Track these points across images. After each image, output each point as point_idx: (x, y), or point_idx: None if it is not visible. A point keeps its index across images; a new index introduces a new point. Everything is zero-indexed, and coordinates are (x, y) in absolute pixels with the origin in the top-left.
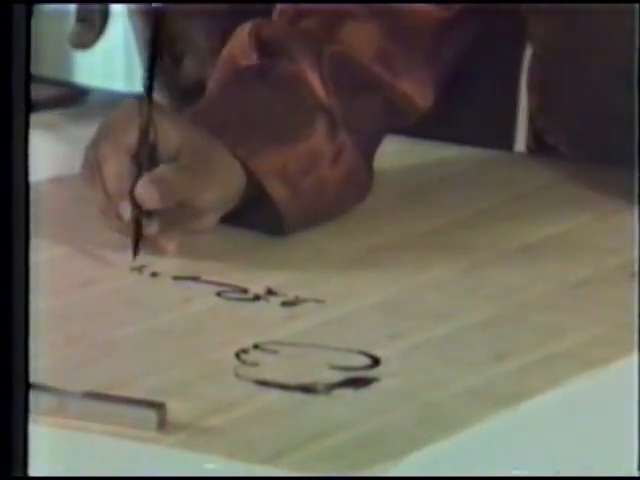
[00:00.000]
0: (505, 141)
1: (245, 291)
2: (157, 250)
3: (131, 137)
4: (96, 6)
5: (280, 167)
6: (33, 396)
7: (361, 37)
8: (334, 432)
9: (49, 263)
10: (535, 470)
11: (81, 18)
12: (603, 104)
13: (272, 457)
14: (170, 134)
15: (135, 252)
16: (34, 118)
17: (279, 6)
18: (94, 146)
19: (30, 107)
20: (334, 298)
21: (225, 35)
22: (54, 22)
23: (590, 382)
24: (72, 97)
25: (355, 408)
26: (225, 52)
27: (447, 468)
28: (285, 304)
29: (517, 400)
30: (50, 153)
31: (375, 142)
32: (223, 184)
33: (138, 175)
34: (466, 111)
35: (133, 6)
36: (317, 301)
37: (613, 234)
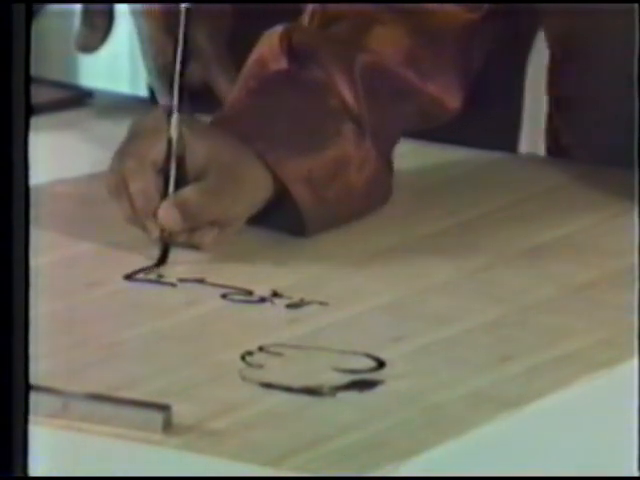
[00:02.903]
0: (510, 143)
1: (250, 293)
2: (192, 246)
3: (157, 152)
4: (101, 8)
5: (306, 173)
6: (38, 398)
7: (390, 42)
8: (339, 434)
9: (53, 265)
10: (539, 471)
11: (86, 21)
12: (614, 105)
13: (277, 459)
14: (197, 149)
15: (162, 262)
16: (38, 120)
17: (308, 10)
18: (119, 160)
19: (30, 108)
20: (339, 300)
21: (229, 39)
22: (59, 24)
23: (595, 384)
24: (77, 99)
25: (360, 410)
26: (254, 55)
27: (452, 470)
28: (290, 306)
29: (522, 402)
30: (54, 155)
31: (394, 145)
32: (251, 195)
33: (165, 192)
34: (471, 113)
35: (138, 7)
36: (322, 303)
37: (619, 236)
